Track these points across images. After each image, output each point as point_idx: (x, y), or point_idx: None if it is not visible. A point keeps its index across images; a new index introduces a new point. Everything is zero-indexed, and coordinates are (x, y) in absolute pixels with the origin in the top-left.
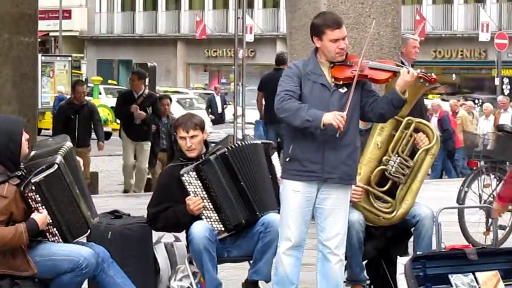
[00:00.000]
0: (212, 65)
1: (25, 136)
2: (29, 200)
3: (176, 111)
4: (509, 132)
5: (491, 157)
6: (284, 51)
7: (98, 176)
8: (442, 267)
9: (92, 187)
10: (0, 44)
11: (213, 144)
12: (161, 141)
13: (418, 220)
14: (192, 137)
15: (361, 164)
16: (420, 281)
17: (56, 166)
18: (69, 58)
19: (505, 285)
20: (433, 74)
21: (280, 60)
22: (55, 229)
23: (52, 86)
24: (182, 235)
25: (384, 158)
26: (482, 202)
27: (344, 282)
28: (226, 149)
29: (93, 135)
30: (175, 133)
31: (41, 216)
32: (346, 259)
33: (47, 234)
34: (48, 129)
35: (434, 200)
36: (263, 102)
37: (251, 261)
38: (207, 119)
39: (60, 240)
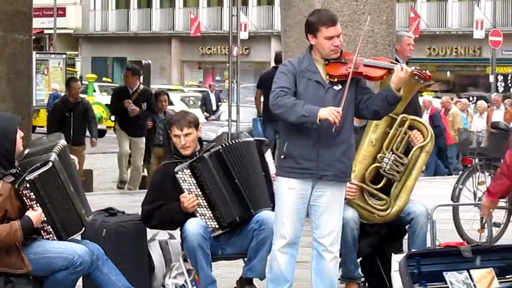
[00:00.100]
0: (207, 63)
1: (19, 134)
2: (24, 198)
3: (180, 109)
4: (503, 129)
5: (486, 155)
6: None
7: (92, 174)
8: (436, 265)
9: (86, 185)
10: None
11: (205, 143)
12: (157, 137)
13: (412, 218)
14: (186, 135)
15: (356, 161)
16: (415, 279)
17: (50, 164)
18: (64, 56)
19: (500, 282)
20: (427, 71)
21: (279, 58)
22: (49, 226)
23: (47, 84)
24: (176, 233)
25: (379, 155)
26: (477, 199)
27: (339, 279)
28: (220, 147)
29: (87, 133)
30: (169, 130)
31: (35, 214)
32: (340, 256)
33: (42, 231)
34: (42, 127)
35: (428, 198)
36: (262, 100)
37: (245, 259)
38: (201, 116)
39: (55, 237)
